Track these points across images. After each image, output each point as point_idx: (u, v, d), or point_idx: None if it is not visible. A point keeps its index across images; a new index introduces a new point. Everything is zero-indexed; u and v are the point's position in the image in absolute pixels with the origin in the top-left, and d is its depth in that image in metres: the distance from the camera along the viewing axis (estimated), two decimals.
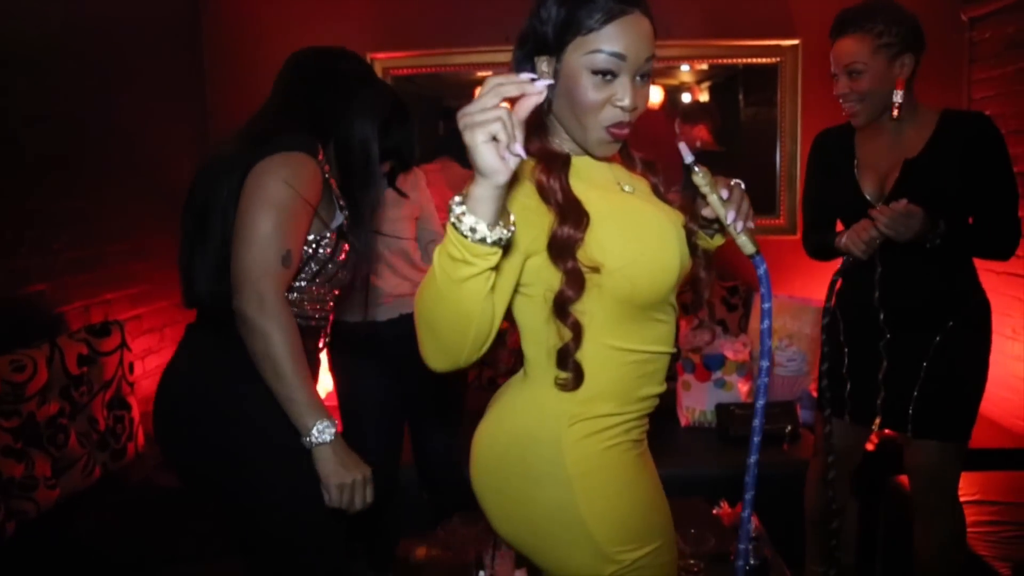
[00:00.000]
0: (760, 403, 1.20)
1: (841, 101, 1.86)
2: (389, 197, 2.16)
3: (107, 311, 2.59)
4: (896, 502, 2.37)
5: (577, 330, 1.08)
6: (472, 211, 0.89)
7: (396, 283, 2.23)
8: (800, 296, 3.02)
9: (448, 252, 0.91)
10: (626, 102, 1.09)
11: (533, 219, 1.04)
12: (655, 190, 1.24)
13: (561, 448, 1.11)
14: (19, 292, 2.25)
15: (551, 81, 0.89)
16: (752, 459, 1.22)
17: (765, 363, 1.18)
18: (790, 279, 3.11)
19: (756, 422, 1.21)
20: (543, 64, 1.12)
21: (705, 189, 1.12)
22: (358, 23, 3.16)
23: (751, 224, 1.14)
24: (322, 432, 1.35)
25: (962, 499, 2.27)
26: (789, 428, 2.74)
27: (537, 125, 1.13)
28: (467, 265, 0.91)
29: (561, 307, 1.07)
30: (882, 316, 1.90)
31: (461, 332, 0.97)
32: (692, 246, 1.19)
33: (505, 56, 3.67)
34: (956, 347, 1.85)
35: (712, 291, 1.25)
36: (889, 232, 1.71)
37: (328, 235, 1.48)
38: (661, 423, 3.07)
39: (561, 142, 1.16)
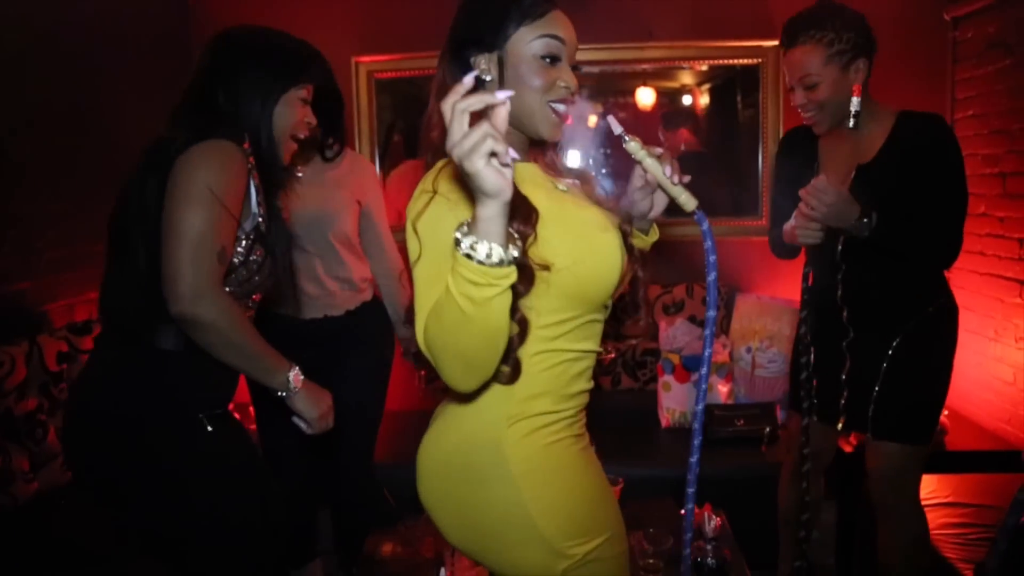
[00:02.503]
0: (703, 370, 1.22)
1: (800, 111, 1.84)
2: (329, 179, 2.10)
3: (91, 310, 2.63)
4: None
5: (524, 325, 1.09)
6: (484, 237, 0.90)
7: (330, 276, 2.10)
8: (782, 297, 3.02)
9: (468, 279, 0.92)
10: (571, 83, 1.17)
11: None
12: (587, 195, 1.27)
13: (503, 449, 1.12)
14: (1, 291, 2.30)
15: (511, 92, 0.91)
16: (693, 458, 1.23)
17: (712, 313, 1.19)
18: (771, 280, 3.10)
19: (698, 407, 1.21)
20: (482, 62, 1.16)
21: (640, 154, 1.16)
22: (342, 27, 3.20)
23: (686, 180, 1.18)
24: (291, 379, 1.43)
25: (935, 501, 2.26)
26: (768, 429, 2.73)
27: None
28: (491, 287, 0.93)
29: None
30: (845, 314, 1.90)
31: (495, 347, 1.00)
32: (628, 247, 1.21)
33: None
34: (917, 349, 1.85)
35: (647, 290, 1.27)
36: (814, 213, 1.69)
37: (241, 237, 1.42)
38: (642, 424, 3.13)
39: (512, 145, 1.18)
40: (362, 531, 2.14)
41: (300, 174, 2.07)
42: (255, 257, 1.45)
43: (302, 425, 1.50)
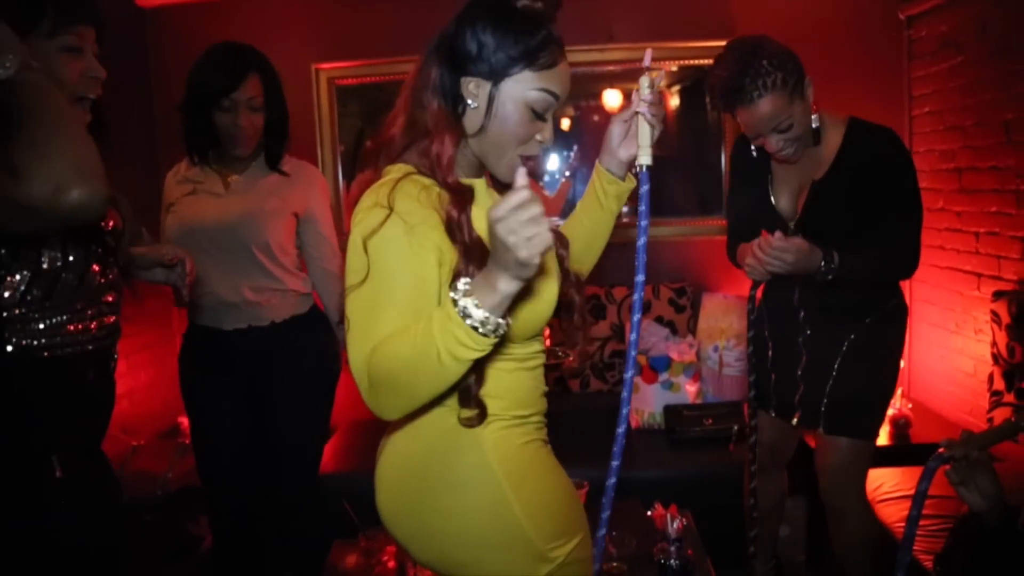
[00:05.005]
0: (633, 336, 1.23)
1: (776, 154, 1.78)
2: (261, 188, 2.02)
3: None
4: None
5: (480, 369, 1.09)
6: (494, 311, 0.92)
7: (250, 285, 2.00)
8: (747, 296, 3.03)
9: (460, 340, 0.93)
10: (549, 141, 1.16)
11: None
12: None
13: (484, 448, 1.11)
14: None
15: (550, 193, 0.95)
16: (614, 464, 1.25)
17: (640, 277, 1.20)
18: (738, 279, 3.12)
19: (626, 380, 1.21)
20: (471, 85, 1.12)
21: (645, 92, 1.20)
22: (302, 34, 3.17)
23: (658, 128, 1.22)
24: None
25: (899, 494, 2.28)
26: (736, 428, 2.74)
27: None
28: (479, 351, 0.95)
29: None
30: (802, 314, 1.92)
31: (440, 392, 1.01)
32: (564, 272, 1.23)
33: None
34: (869, 346, 1.87)
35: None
36: (774, 268, 1.65)
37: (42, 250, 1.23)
38: (611, 426, 3.10)
39: (463, 165, 1.17)
40: (313, 545, 2.09)
41: (231, 181, 2.03)
42: (72, 258, 1.27)
43: None
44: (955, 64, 2.75)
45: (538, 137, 1.14)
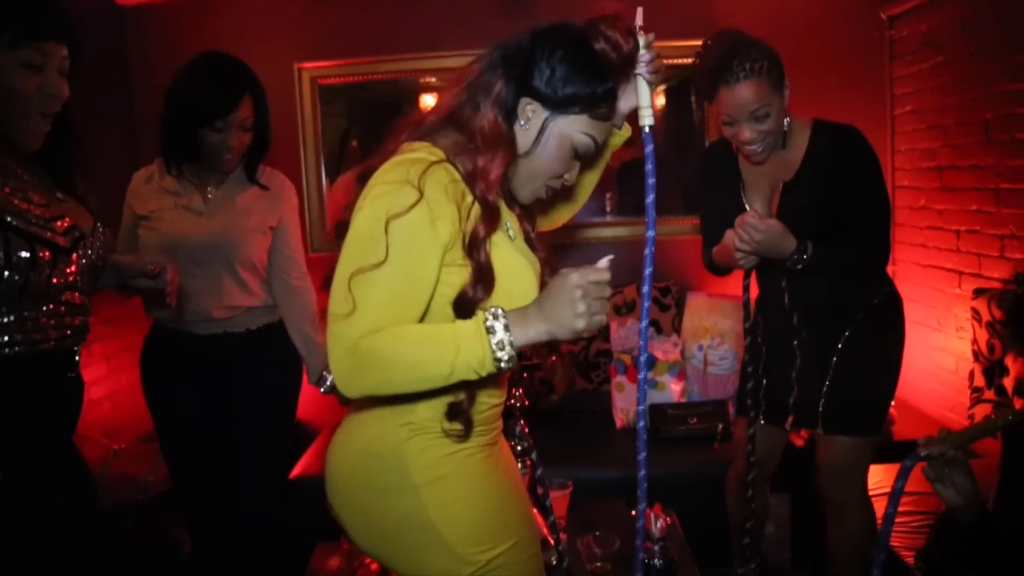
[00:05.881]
0: (645, 305, 1.22)
1: (743, 146, 1.78)
2: (239, 204, 1.99)
3: None
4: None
5: (471, 388, 1.12)
6: (515, 348, 0.99)
7: (228, 301, 1.98)
8: (733, 295, 3.04)
9: (471, 365, 0.99)
10: (572, 182, 1.21)
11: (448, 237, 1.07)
12: (527, 237, 1.26)
13: (405, 459, 1.12)
14: None
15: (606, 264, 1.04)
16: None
17: (651, 232, 1.21)
18: (722, 279, 3.11)
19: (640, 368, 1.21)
20: (529, 108, 1.12)
21: (645, 56, 1.18)
22: (285, 33, 3.15)
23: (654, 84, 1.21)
24: None
25: (881, 491, 2.29)
26: (721, 427, 2.75)
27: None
28: (480, 373, 1.00)
29: None
30: (796, 318, 1.92)
31: (415, 391, 1.04)
32: (541, 272, 1.23)
33: (432, 63, 3.67)
34: (865, 341, 1.87)
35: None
36: (745, 247, 1.68)
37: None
38: (597, 426, 3.13)
39: None
40: (298, 555, 2.07)
41: (210, 194, 1.99)
42: (16, 258, 1.24)
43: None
44: (936, 63, 2.77)
45: (566, 177, 1.18)
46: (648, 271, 1.21)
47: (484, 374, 0.99)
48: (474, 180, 1.08)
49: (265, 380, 2.05)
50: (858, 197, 1.77)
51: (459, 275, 1.07)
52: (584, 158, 1.18)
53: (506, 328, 0.97)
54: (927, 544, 1.90)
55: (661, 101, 3.34)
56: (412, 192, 1.01)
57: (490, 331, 0.97)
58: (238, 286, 1.99)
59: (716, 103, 1.76)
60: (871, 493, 2.23)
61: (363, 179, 1.09)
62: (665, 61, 3.39)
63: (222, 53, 1.95)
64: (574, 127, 1.12)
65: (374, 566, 1.82)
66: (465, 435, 1.13)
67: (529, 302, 1.05)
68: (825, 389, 1.88)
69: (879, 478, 2.34)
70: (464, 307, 1.06)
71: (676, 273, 3.25)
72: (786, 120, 1.78)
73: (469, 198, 1.08)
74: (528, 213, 1.28)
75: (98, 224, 1.44)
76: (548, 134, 1.12)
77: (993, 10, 2.45)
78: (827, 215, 1.79)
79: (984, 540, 1.30)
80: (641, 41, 1.18)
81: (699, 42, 3.11)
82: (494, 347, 0.97)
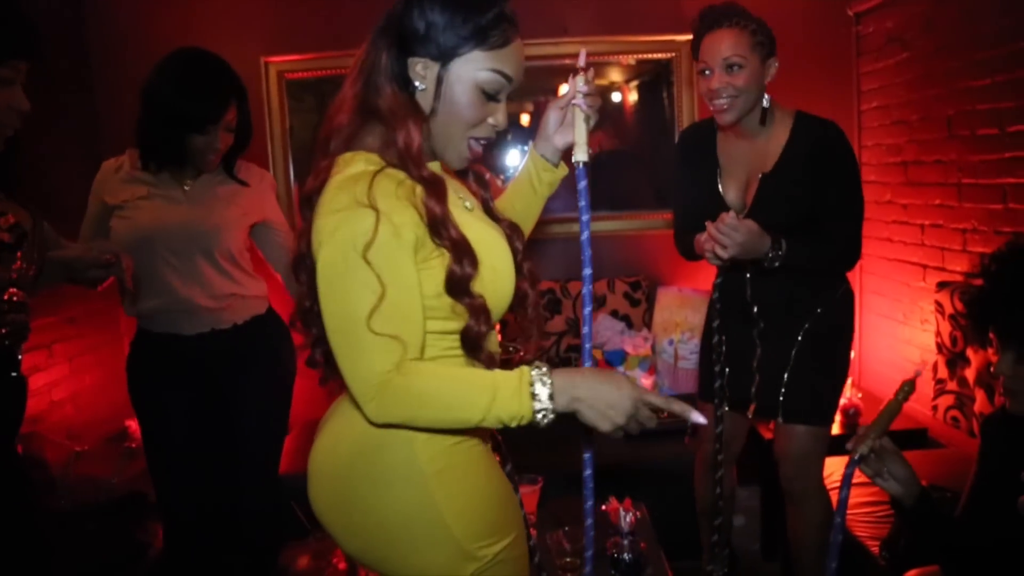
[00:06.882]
0: (585, 329, 1.24)
1: (710, 98, 1.80)
2: (219, 195, 1.98)
3: None
4: None
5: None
6: (549, 416, 1.00)
7: (211, 291, 1.96)
8: (703, 290, 3.06)
9: (504, 419, 1.00)
10: (502, 124, 1.13)
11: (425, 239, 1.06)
12: (485, 206, 1.24)
13: (414, 447, 1.09)
14: None
15: (703, 421, 1.07)
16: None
17: (587, 271, 1.24)
18: (693, 273, 3.14)
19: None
20: (418, 66, 1.08)
21: (580, 92, 1.21)
22: (250, 26, 3.10)
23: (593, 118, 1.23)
24: None
25: (836, 483, 2.32)
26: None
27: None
28: (513, 423, 1.01)
29: (473, 342, 1.11)
30: (755, 309, 1.94)
31: (438, 428, 1.06)
32: (518, 265, 1.21)
33: None
34: (823, 335, 1.91)
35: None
36: (724, 253, 1.69)
37: None
38: (567, 422, 3.11)
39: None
40: (272, 550, 2.05)
41: (187, 185, 1.95)
42: None
43: None
44: (901, 60, 2.80)
45: (491, 120, 1.11)
46: (588, 310, 1.25)
47: (514, 426, 1.01)
48: (406, 163, 1.06)
49: (262, 373, 2.03)
50: (835, 196, 1.80)
51: (440, 263, 1.05)
52: (499, 96, 1.11)
53: (551, 398, 1.00)
54: (890, 533, 1.94)
55: (633, 96, 3.35)
56: (367, 213, 0.98)
57: (535, 397, 0.99)
58: (220, 274, 1.96)
59: (699, 59, 1.81)
60: (838, 484, 2.27)
61: (307, 203, 1.07)
62: (638, 56, 3.42)
63: (204, 52, 1.91)
64: (472, 68, 1.07)
65: (342, 565, 1.81)
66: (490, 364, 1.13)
67: (496, 257, 1.10)
68: (786, 379, 1.91)
69: (832, 469, 2.37)
70: (458, 287, 1.05)
71: (646, 268, 3.26)
72: (766, 98, 1.80)
73: (419, 188, 1.05)
74: (480, 181, 1.25)
75: (39, 221, 1.41)
76: (446, 85, 1.07)
77: (956, 8, 2.48)
78: (802, 210, 1.81)
79: (931, 520, 1.33)
80: (580, 79, 1.21)
81: (670, 37, 3.17)
82: (537, 414, 1.00)
